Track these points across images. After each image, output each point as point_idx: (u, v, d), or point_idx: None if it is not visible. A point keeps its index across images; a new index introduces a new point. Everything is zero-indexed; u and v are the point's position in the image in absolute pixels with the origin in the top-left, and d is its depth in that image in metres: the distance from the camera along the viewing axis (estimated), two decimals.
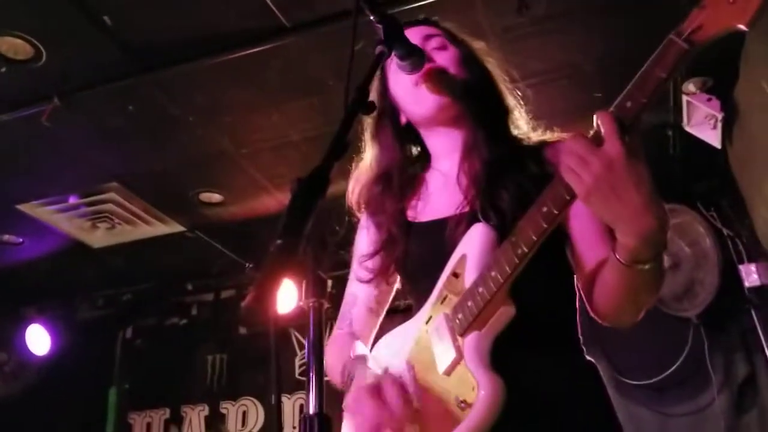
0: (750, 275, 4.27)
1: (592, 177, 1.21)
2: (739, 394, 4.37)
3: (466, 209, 1.66)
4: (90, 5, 3.14)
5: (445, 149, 1.81)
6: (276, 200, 4.70)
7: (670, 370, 4.46)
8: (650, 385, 4.52)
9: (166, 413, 5.88)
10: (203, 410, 5.77)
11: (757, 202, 4.01)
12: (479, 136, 1.74)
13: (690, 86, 3.76)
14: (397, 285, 1.89)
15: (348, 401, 1.54)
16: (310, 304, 1.04)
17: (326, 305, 1.06)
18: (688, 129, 3.91)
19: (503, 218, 1.57)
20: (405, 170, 1.87)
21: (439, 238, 1.65)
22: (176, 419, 5.83)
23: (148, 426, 5.89)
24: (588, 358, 1.63)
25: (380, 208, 1.82)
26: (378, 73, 1.82)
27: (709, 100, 3.72)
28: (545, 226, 1.36)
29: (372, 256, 1.80)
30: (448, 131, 1.80)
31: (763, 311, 4.30)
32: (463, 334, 1.49)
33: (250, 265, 5.54)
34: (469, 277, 1.53)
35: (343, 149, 1.19)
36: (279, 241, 0.96)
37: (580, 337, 1.64)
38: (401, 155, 1.87)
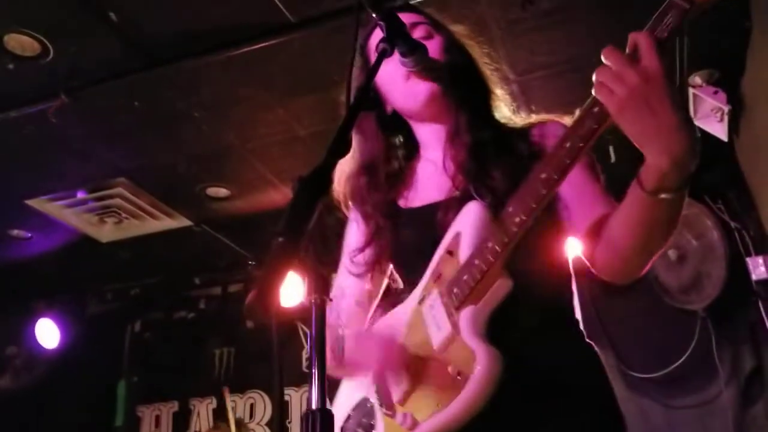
0: (757, 268, 4.25)
1: (627, 90, 1.18)
2: (746, 386, 4.37)
3: (457, 193, 1.65)
4: (96, 2, 3.15)
5: (434, 138, 1.80)
6: (282, 194, 4.72)
7: (677, 363, 4.47)
8: (657, 377, 4.52)
9: (174, 406, 5.92)
10: (211, 403, 5.80)
11: (765, 194, 4.00)
12: (463, 122, 1.73)
13: (696, 79, 3.75)
14: (387, 279, 1.86)
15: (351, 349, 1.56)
16: (313, 301, 1.05)
17: (329, 302, 1.07)
18: (694, 121, 3.90)
19: (496, 196, 1.55)
20: (390, 160, 1.86)
21: (431, 222, 1.64)
22: (184, 412, 5.87)
23: (157, 419, 5.93)
24: (588, 341, 1.60)
25: (366, 199, 1.80)
26: (359, 58, 1.81)
27: (715, 92, 3.71)
28: (544, 192, 1.36)
29: (363, 249, 1.78)
30: (437, 122, 1.79)
31: None
32: (458, 309, 1.48)
33: (252, 263, 5.57)
34: (464, 253, 1.52)
35: (345, 148, 1.19)
36: (281, 239, 0.97)
37: (579, 319, 1.63)
38: (385, 145, 1.85)
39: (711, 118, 3.80)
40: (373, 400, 1.61)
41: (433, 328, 1.52)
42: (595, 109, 1.27)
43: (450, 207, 1.62)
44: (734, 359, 4.44)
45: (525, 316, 1.50)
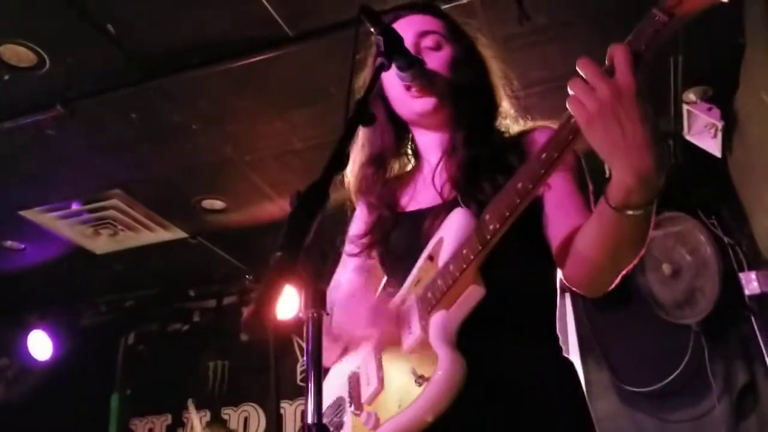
0: (750, 283, 4.28)
1: (597, 103, 1.16)
2: (739, 401, 4.38)
3: (446, 201, 1.67)
4: (94, 13, 3.16)
5: (434, 146, 1.81)
6: (278, 207, 4.72)
7: (670, 377, 4.48)
8: (651, 392, 4.53)
9: (168, 419, 5.89)
10: (205, 416, 5.77)
11: (757, 210, 4.02)
12: (459, 138, 1.73)
13: (690, 95, 3.78)
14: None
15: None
16: (309, 316, 1.05)
17: (326, 316, 1.07)
18: (688, 138, 3.93)
19: (482, 207, 1.53)
20: (398, 154, 1.88)
21: (418, 228, 1.66)
22: (178, 425, 5.84)
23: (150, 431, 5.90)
24: (565, 355, 1.60)
25: (371, 190, 1.82)
26: (374, 50, 1.79)
27: (709, 109, 3.74)
28: (518, 201, 1.36)
29: (363, 236, 1.80)
30: (435, 131, 1.81)
31: (763, 319, 4.31)
32: (430, 313, 1.49)
33: (250, 278, 5.57)
34: (443, 258, 1.53)
35: (343, 163, 1.20)
36: (278, 254, 0.98)
37: (558, 335, 1.62)
38: (395, 139, 1.86)
39: (705, 134, 3.82)
40: (346, 398, 1.64)
41: (406, 330, 1.55)
42: (572, 120, 1.26)
43: (438, 214, 1.63)
44: (727, 374, 4.45)
45: (498, 326, 1.51)
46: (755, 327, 4.29)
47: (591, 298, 1.52)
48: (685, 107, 3.80)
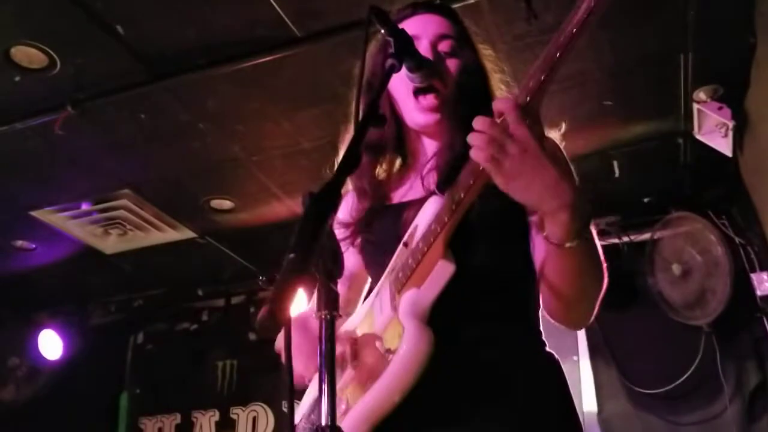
0: (762, 284, 4.25)
1: (513, 161, 1.25)
2: (751, 402, 4.36)
3: (430, 191, 1.66)
4: (103, 14, 3.17)
5: (429, 149, 1.81)
6: (286, 207, 4.72)
7: (681, 379, 4.46)
8: (662, 393, 4.51)
9: (176, 418, 5.89)
10: (214, 416, 5.78)
11: None
12: (457, 141, 1.68)
13: (701, 94, 3.76)
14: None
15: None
16: (322, 317, 1.05)
17: (338, 317, 1.07)
18: (698, 137, 3.91)
19: None
20: (396, 147, 1.86)
21: (398, 219, 1.66)
22: (187, 425, 5.85)
23: (159, 431, 5.91)
24: (548, 350, 1.59)
25: (363, 176, 1.81)
26: (382, 36, 1.77)
27: (720, 108, 3.72)
28: (481, 167, 1.37)
29: (351, 223, 1.80)
30: (432, 139, 1.80)
31: None
32: (401, 292, 1.49)
33: (263, 278, 5.57)
34: (415, 240, 1.54)
35: (355, 163, 1.20)
36: (291, 255, 0.98)
37: (541, 330, 1.62)
38: (395, 132, 1.84)
39: (715, 133, 3.80)
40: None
41: (378, 313, 1.56)
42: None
43: (419, 204, 1.63)
44: (739, 375, 4.43)
45: (473, 308, 1.51)
46: (767, 328, 4.27)
47: (570, 329, 1.56)
48: (695, 106, 3.78)
